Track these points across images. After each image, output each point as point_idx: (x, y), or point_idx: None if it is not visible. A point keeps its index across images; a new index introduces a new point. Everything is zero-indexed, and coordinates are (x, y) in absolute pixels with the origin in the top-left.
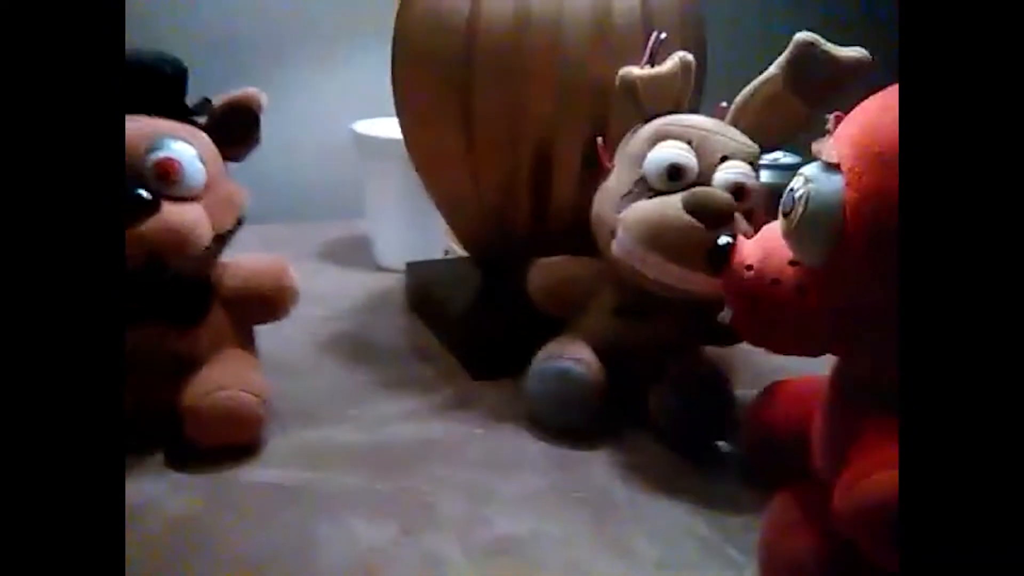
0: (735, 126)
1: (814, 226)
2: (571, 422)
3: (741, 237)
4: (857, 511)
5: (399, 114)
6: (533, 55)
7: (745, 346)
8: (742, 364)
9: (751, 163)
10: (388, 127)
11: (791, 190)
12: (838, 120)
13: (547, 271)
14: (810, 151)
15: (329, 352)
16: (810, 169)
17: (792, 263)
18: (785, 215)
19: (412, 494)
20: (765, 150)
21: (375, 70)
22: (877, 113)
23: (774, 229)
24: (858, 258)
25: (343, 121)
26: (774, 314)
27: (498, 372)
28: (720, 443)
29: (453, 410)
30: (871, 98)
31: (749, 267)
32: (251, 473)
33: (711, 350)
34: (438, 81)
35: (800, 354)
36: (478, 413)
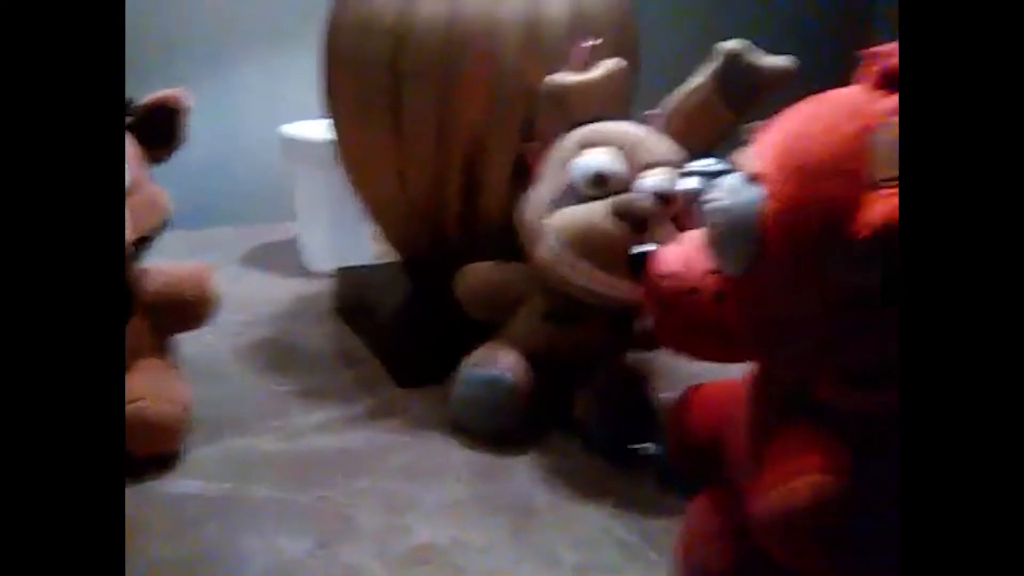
0: (663, 133)
1: (733, 236)
2: (498, 428)
3: (661, 246)
4: (771, 518)
5: (328, 117)
6: (464, 60)
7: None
8: (666, 369)
9: (678, 169)
10: (317, 130)
11: (712, 200)
12: (758, 130)
13: (475, 276)
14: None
15: (253, 359)
16: (730, 180)
17: (712, 272)
18: (707, 226)
19: (331, 504)
20: (693, 156)
21: (304, 72)
22: (798, 124)
23: (696, 237)
24: (777, 268)
25: (272, 123)
26: (692, 322)
27: (425, 379)
28: (642, 447)
29: (377, 418)
30: (792, 108)
31: (668, 276)
32: (173, 484)
33: (637, 355)
34: (367, 84)
35: (718, 361)
36: (402, 421)
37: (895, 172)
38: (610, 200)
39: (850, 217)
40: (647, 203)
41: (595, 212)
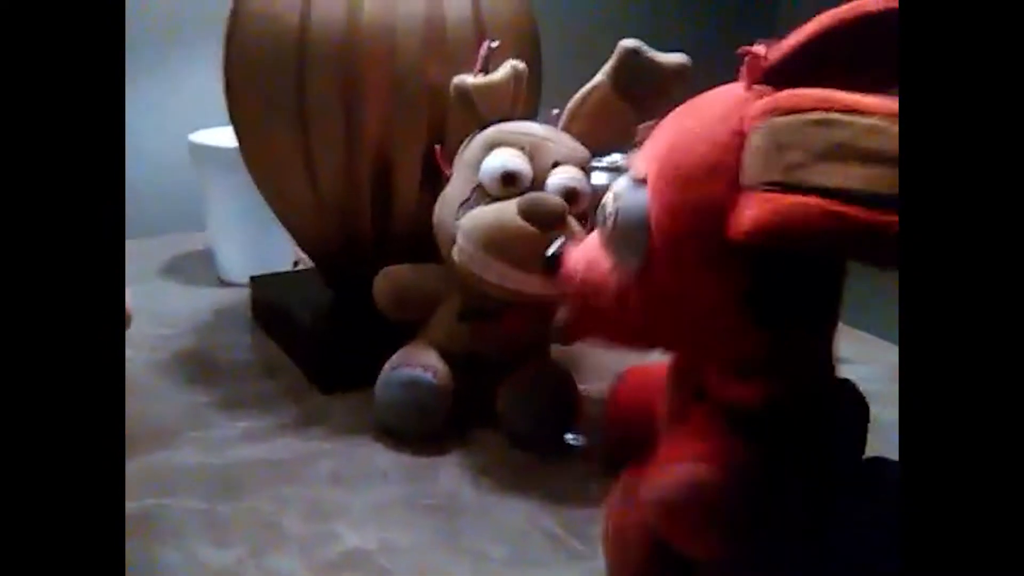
0: (567, 132)
1: (624, 239)
2: (421, 428)
3: (570, 245)
4: (648, 504)
5: (233, 122)
6: (366, 61)
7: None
8: (586, 360)
9: (583, 168)
10: (226, 136)
11: (603, 204)
12: (648, 131)
13: (391, 279)
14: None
15: (171, 372)
16: (620, 184)
17: (612, 270)
18: (601, 227)
19: (257, 514)
20: (597, 154)
21: (211, 77)
22: (677, 128)
23: (597, 237)
24: (663, 267)
25: (179, 131)
26: (600, 317)
27: (348, 385)
28: (566, 438)
29: (301, 426)
30: (674, 111)
31: (575, 272)
32: None
33: (557, 349)
34: (270, 88)
35: (629, 350)
36: (326, 428)
37: (768, 176)
38: (518, 199)
39: (723, 221)
40: (554, 201)
41: (504, 212)
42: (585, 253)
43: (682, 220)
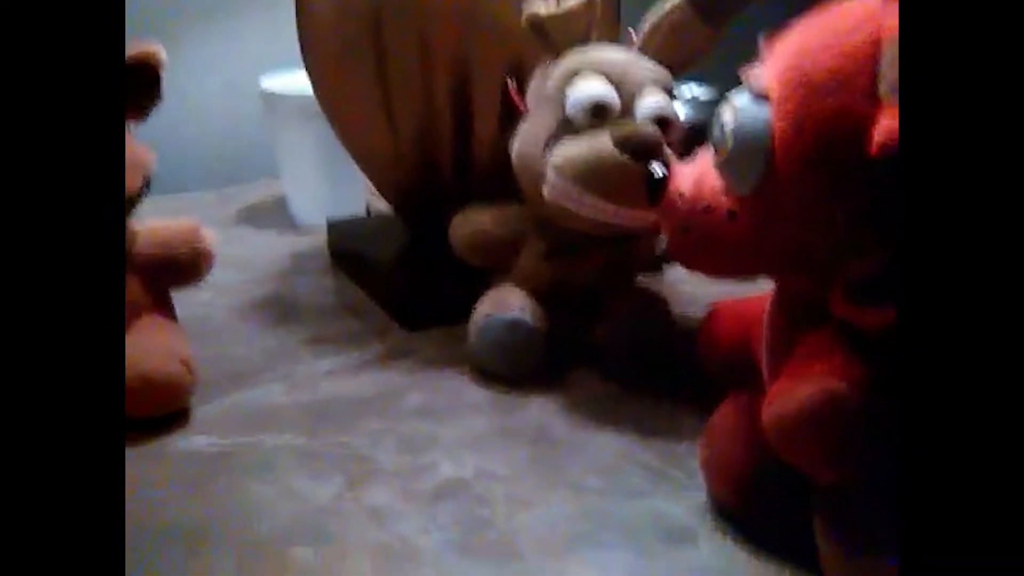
0: (643, 52)
1: (742, 157)
2: (521, 370)
3: (674, 167)
4: (776, 423)
5: (307, 67)
6: None
7: (671, 275)
8: (675, 291)
9: (668, 92)
10: (298, 81)
11: (720, 122)
12: (768, 42)
13: (470, 224)
14: (721, 83)
15: (253, 315)
16: (739, 98)
17: (724, 191)
18: (715, 146)
19: (351, 449)
20: (673, 75)
21: (282, 19)
22: (804, 38)
23: (704, 159)
24: (786, 188)
25: (250, 75)
26: (706, 240)
27: (430, 322)
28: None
29: (387, 363)
30: (799, 22)
31: (681, 195)
32: (182, 441)
33: (646, 279)
34: (346, 29)
35: (733, 278)
36: (412, 364)
37: None
38: (612, 131)
39: (858, 134)
40: (650, 131)
41: (599, 145)
42: (692, 174)
43: (810, 134)
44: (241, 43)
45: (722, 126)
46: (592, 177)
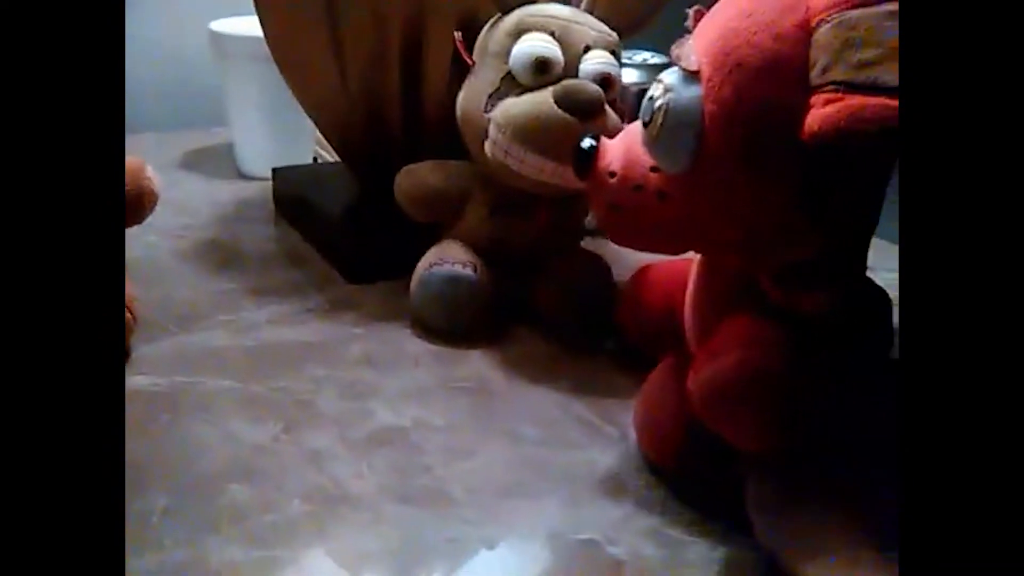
0: (590, 12)
1: (673, 137)
2: (462, 324)
3: (604, 140)
4: (700, 394)
5: (257, 9)
6: None
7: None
8: (614, 254)
9: (612, 52)
10: (248, 25)
11: (650, 98)
12: (697, 17)
13: (414, 179)
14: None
15: (195, 260)
16: (669, 77)
17: (654, 169)
18: (645, 124)
19: (291, 393)
20: (623, 36)
21: None
22: (735, 17)
23: (636, 131)
24: (718, 168)
25: (200, 21)
26: (637, 219)
27: (374, 275)
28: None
29: (330, 313)
30: None
31: (612, 173)
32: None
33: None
34: None
35: (664, 253)
36: (355, 315)
37: (838, 74)
38: (554, 89)
39: (790, 120)
40: (592, 89)
41: (540, 102)
42: (623, 149)
43: (741, 117)
44: None
45: (652, 103)
46: (533, 134)
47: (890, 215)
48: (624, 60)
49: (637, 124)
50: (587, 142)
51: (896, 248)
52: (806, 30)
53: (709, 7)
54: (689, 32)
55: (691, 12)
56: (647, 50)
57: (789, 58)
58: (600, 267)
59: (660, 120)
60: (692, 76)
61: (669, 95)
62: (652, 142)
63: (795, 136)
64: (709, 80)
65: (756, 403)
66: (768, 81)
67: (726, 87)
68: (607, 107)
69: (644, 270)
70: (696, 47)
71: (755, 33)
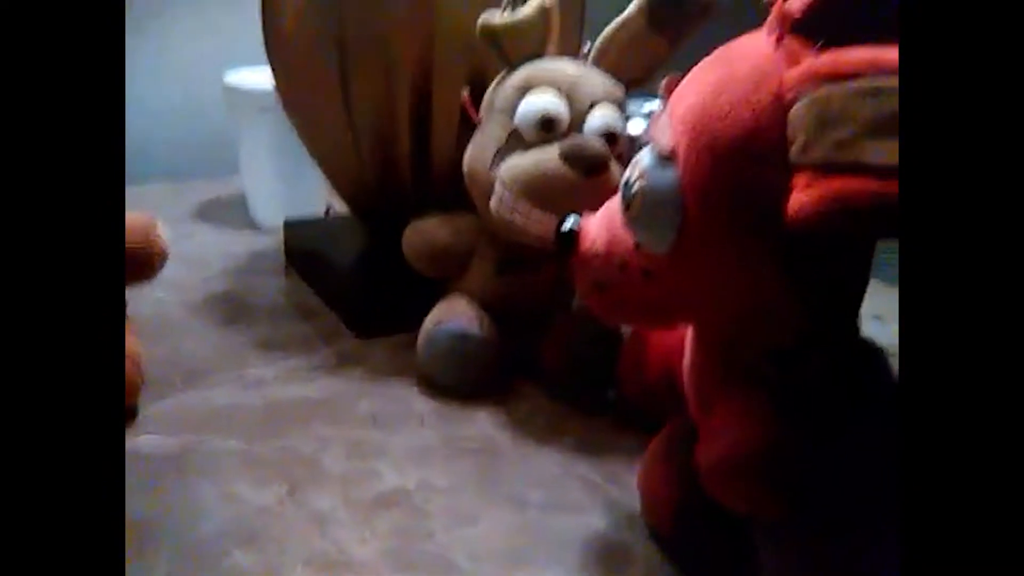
0: (597, 67)
1: (653, 218)
2: (468, 381)
3: (586, 219)
4: (709, 471)
5: (270, 63)
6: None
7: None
8: None
9: (619, 106)
10: (261, 77)
11: (627, 181)
12: (670, 86)
13: (421, 235)
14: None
15: (205, 314)
16: (644, 159)
17: (638, 246)
18: (625, 205)
19: (297, 453)
20: (628, 89)
21: (246, 16)
22: (710, 91)
23: (617, 209)
24: (700, 247)
25: (214, 72)
26: (623, 297)
27: (383, 329)
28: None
29: (338, 368)
30: (701, 67)
31: (596, 252)
32: (128, 441)
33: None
34: (309, 27)
35: (652, 328)
36: (363, 371)
37: (816, 155)
38: (560, 145)
39: (773, 200)
40: (598, 145)
41: (546, 159)
42: (606, 226)
43: (722, 198)
44: (207, 36)
45: (629, 186)
46: (538, 190)
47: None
48: (633, 110)
49: (615, 202)
50: (568, 223)
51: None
52: (781, 102)
53: (684, 74)
54: (663, 99)
55: (663, 82)
56: (657, 98)
57: (768, 134)
58: (606, 328)
59: (638, 201)
60: (667, 158)
61: (646, 176)
62: (633, 223)
63: (778, 215)
64: (686, 159)
65: (763, 477)
66: (748, 159)
67: (704, 166)
68: (613, 162)
69: (640, 332)
70: (671, 122)
71: (732, 108)
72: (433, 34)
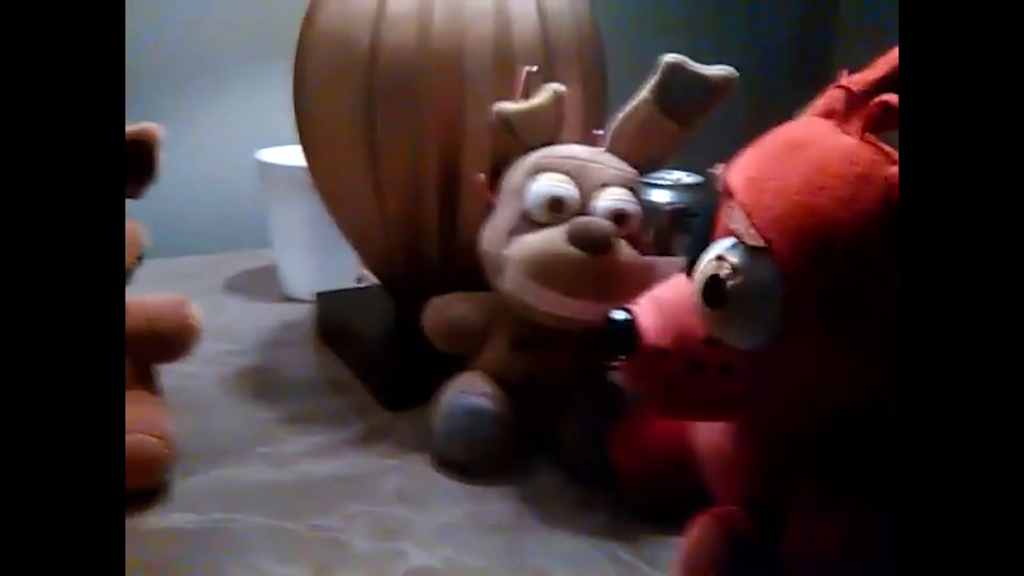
0: (612, 152)
1: (750, 314)
2: (482, 458)
3: (639, 310)
4: (821, 561)
5: (301, 141)
6: (434, 84)
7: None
8: None
9: (630, 188)
10: (293, 154)
11: (714, 277)
12: (729, 177)
13: (438, 312)
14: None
15: (237, 388)
16: (734, 255)
17: (707, 341)
18: (712, 304)
19: (325, 531)
20: (643, 173)
21: (278, 96)
22: (801, 190)
23: (674, 298)
24: (800, 339)
25: (247, 149)
26: (698, 395)
27: (412, 402)
28: None
29: (366, 443)
30: (771, 156)
31: (663, 350)
32: (157, 519)
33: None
34: (339, 108)
35: (714, 421)
36: (391, 445)
37: None
38: (566, 225)
39: (879, 285)
40: (603, 225)
41: (552, 239)
42: (666, 321)
43: (823, 285)
44: (240, 115)
45: (713, 282)
46: (545, 270)
47: None
48: (657, 180)
49: (672, 292)
50: (620, 315)
51: None
52: (892, 204)
53: (728, 159)
54: (720, 191)
55: (717, 173)
56: (680, 169)
57: (876, 237)
58: (624, 403)
59: (732, 299)
60: (760, 251)
61: (740, 271)
62: (724, 321)
63: (885, 302)
64: (787, 257)
65: (865, 562)
66: (856, 261)
67: (809, 266)
68: (620, 242)
69: (626, 423)
70: (754, 216)
71: (835, 209)
72: (461, 114)
